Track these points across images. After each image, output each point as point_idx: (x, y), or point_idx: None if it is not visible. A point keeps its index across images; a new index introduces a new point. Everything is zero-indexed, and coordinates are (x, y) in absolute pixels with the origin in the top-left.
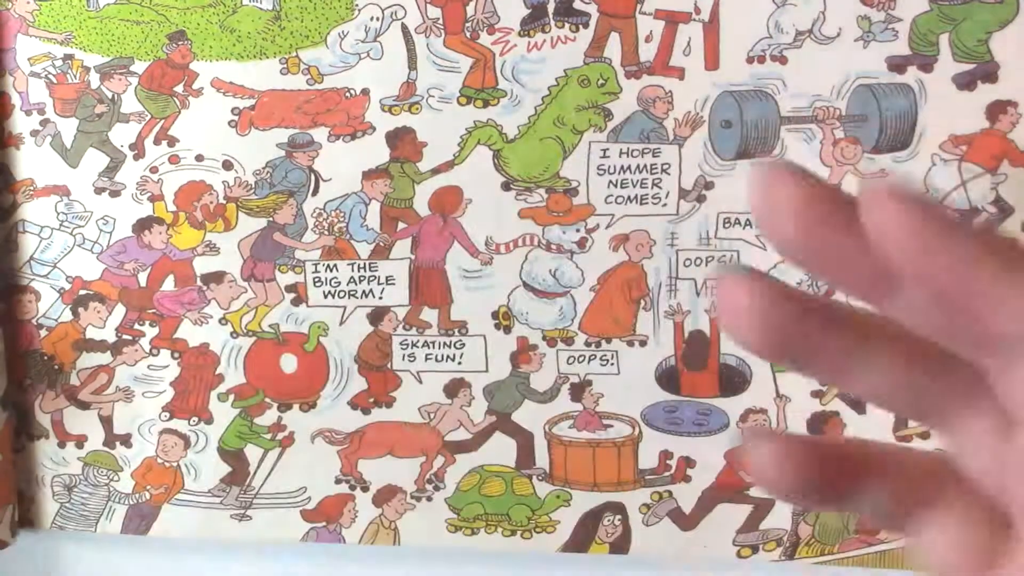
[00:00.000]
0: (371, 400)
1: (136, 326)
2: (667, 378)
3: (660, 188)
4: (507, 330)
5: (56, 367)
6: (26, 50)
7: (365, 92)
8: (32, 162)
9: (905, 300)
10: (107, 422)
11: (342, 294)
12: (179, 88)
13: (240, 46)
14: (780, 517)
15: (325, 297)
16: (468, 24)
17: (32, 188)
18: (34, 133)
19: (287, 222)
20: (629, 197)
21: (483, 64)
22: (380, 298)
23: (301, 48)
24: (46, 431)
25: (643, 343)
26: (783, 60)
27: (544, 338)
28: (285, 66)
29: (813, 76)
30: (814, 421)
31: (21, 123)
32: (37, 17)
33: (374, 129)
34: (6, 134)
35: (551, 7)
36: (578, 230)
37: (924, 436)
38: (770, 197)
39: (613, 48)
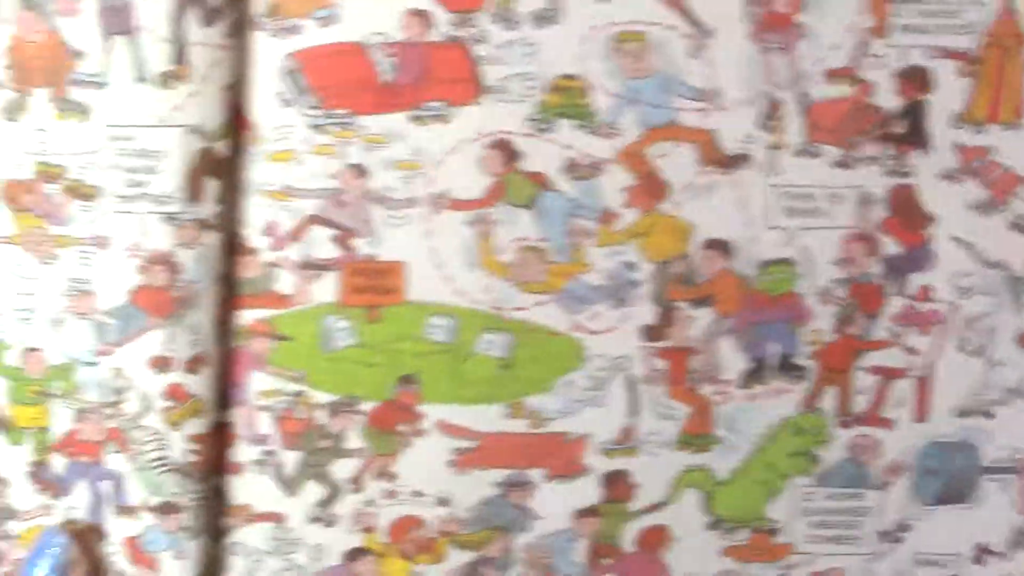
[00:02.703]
0: None
1: None
2: None
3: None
4: None
5: None
6: (257, 385)
7: (584, 436)
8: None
9: None
10: None
11: None
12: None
13: (468, 391)
14: None
15: None
16: (691, 375)
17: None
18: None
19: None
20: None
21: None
22: None
23: (528, 395)
24: None
25: None
26: (990, 415)
27: None
28: (510, 411)
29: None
30: None
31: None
32: (272, 355)
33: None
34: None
35: (774, 362)
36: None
37: None
38: None
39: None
